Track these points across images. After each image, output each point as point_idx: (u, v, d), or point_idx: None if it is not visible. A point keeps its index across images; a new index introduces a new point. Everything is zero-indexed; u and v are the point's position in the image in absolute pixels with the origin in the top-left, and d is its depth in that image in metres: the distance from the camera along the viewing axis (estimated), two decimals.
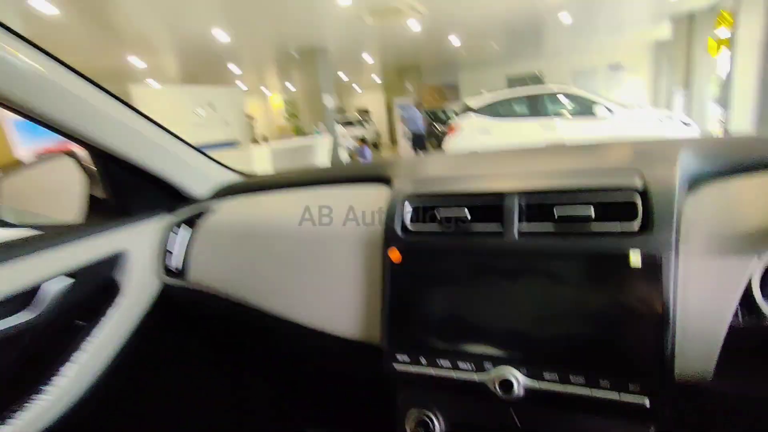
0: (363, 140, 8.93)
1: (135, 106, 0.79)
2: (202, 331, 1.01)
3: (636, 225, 0.47)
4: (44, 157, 0.89)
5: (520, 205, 0.53)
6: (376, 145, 17.07)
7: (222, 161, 1.01)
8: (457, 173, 0.64)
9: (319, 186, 0.83)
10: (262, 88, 15.44)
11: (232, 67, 10.17)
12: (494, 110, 6.92)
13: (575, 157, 0.66)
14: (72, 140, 0.75)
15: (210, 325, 0.98)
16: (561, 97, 6.71)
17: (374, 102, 19.09)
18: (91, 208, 0.88)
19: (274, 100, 17.48)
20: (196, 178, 0.94)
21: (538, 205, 0.52)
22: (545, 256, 0.50)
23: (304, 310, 0.68)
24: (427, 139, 9.68)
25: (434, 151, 8.95)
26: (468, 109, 7.09)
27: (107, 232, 0.79)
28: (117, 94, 0.76)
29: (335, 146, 8.46)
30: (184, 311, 0.93)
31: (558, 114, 6.61)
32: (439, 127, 13.41)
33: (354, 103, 20.06)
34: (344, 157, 8.92)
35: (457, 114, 7.51)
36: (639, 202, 0.48)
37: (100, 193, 0.89)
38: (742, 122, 4.71)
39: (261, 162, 5.86)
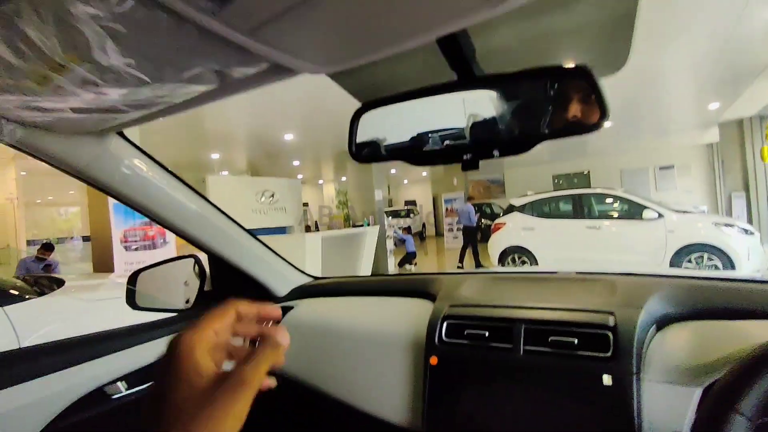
0: (408, 230, 9.43)
1: (209, 195, 1.03)
2: (275, 408, 1.18)
3: (608, 353, 0.64)
4: (174, 257, 1.20)
5: (525, 330, 0.72)
6: (421, 236, 17.43)
7: (280, 250, 1.21)
8: (481, 300, 0.85)
9: (378, 295, 1.06)
10: (320, 181, 16.86)
11: (294, 161, 11.44)
12: (538, 209, 7.09)
13: (571, 291, 0.85)
14: (192, 244, 1.01)
15: (282, 402, 1.16)
16: (607, 199, 6.71)
17: (421, 193, 19.99)
18: (201, 298, 1.16)
19: (326, 189, 18.87)
20: (279, 279, 1.19)
21: (539, 330, 0.71)
22: (542, 370, 0.67)
23: (360, 397, 0.86)
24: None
25: (480, 244, 9.08)
26: (513, 208, 7.32)
27: None
28: (203, 193, 0.94)
29: (383, 236, 8.89)
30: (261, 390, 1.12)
31: (604, 215, 6.61)
32: (484, 221, 13.65)
33: (402, 195, 21.11)
34: (390, 246, 9.32)
35: (504, 212, 7.75)
36: (611, 336, 0.66)
37: (209, 287, 1.17)
38: None
39: (311, 247, 6.24)
